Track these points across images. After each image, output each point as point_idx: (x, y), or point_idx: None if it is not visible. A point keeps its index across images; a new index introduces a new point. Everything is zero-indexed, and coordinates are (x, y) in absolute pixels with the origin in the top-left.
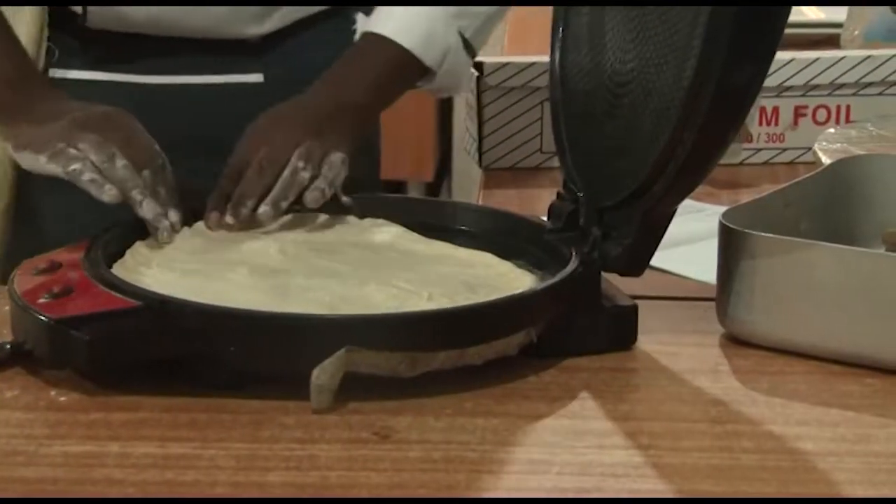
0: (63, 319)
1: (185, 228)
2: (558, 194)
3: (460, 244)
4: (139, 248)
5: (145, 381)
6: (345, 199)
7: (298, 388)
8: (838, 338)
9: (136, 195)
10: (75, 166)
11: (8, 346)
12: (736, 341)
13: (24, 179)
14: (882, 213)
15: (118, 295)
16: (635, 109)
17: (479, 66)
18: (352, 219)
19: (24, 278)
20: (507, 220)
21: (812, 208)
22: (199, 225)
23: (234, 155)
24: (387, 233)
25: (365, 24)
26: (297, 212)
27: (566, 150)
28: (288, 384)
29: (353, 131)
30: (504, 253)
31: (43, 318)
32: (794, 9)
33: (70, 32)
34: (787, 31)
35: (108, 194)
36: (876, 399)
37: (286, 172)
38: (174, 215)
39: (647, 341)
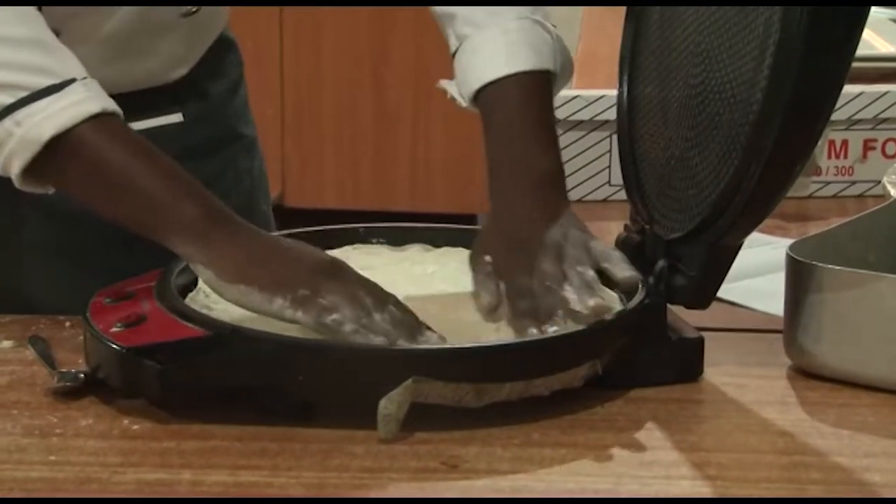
0: (135, 348)
1: None
2: (625, 227)
3: None
4: None
5: (217, 410)
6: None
7: (367, 417)
8: None
9: (402, 343)
10: (334, 317)
11: (82, 375)
12: (803, 373)
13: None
14: None
15: (189, 324)
16: (702, 142)
17: None
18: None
19: (97, 308)
20: None
21: (880, 241)
22: None
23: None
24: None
25: (466, 81)
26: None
27: (634, 183)
28: (357, 414)
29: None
30: None
31: (115, 346)
32: (864, 42)
33: None
34: (857, 64)
35: (377, 342)
36: None
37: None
38: (427, 331)
39: (714, 373)
